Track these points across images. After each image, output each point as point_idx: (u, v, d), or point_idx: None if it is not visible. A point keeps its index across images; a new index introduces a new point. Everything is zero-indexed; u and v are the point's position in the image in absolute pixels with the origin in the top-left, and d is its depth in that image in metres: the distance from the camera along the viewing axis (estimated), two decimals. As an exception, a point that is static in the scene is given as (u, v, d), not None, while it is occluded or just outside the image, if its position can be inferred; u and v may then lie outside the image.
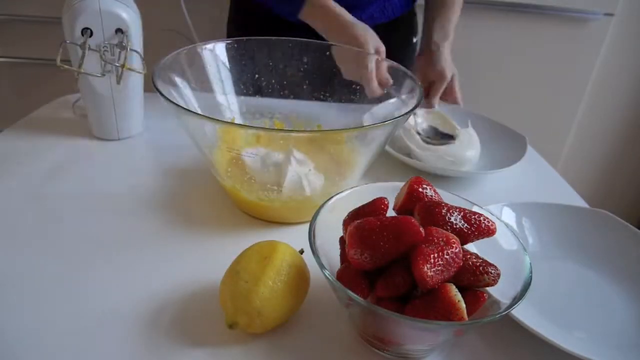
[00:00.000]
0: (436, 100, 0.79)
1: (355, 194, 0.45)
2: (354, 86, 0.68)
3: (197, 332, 0.42)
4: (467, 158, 0.69)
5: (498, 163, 0.70)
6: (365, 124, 0.64)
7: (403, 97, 0.62)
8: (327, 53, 0.68)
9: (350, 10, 0.72)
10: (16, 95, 1.62)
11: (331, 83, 0.69)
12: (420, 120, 0.76)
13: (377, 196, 0.42)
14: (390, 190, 0.44)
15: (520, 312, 0.41)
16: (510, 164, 0.68)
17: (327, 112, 0.70)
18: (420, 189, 0.42)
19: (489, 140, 0.75)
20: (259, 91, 0.69)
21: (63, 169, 0.64)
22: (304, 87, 0.70)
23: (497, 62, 1.52)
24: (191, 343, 0.41)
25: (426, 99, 0.79)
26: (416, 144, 0.70)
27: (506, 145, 0.75)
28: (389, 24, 0.90)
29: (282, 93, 0.70)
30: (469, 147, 0.70)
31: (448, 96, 0.81)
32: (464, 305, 0.35)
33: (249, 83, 0.68)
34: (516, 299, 0.36)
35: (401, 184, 0.44)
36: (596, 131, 1.67)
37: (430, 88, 0.80)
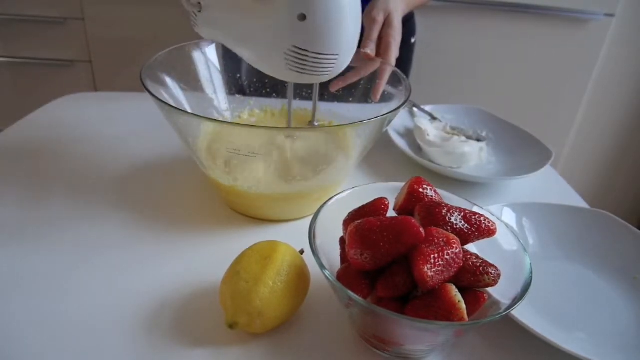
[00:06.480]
0: (368, 44, 0.64)
1: (355, 194, 0.45)
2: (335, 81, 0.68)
3: (197, 332, 0.42)
4: (466, 152, 0.70)
5: (515, 171, 0.69)
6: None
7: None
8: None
9: None
10: (16, 95, 1.62)
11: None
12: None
13: (378, 196, 0.42)
14: (391, 191, 0.44)
15: (521, 313, 0.42)
16: (528, 173, 0.67)
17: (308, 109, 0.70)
18: (421, 189, 0.42)
19: (512, 147, 0.76)
20: (241, 91, 0.69)
21: (63, 169, 0.64)
22: (285, 85, 0.69)
23: (497, 63, 1.53)
24: (191, 343, 0.41)
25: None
26: (425, 141, 0.72)
27: (527, 154, 0.74)
28: None
29: (263, 92, 0.70)
30: (467, 144, 0.71)
31: (382, 53, 0.65)
32: (464, 306, 0.35)
33: (232, 83, 0.68)
34: (516, 300, 0.36)
35: (401, 184, 0.44)
36: (596, 132, 1.67)
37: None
